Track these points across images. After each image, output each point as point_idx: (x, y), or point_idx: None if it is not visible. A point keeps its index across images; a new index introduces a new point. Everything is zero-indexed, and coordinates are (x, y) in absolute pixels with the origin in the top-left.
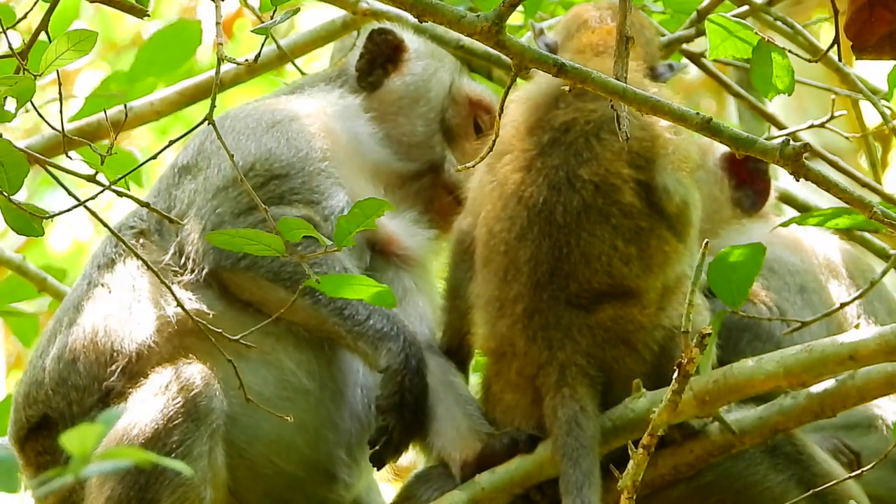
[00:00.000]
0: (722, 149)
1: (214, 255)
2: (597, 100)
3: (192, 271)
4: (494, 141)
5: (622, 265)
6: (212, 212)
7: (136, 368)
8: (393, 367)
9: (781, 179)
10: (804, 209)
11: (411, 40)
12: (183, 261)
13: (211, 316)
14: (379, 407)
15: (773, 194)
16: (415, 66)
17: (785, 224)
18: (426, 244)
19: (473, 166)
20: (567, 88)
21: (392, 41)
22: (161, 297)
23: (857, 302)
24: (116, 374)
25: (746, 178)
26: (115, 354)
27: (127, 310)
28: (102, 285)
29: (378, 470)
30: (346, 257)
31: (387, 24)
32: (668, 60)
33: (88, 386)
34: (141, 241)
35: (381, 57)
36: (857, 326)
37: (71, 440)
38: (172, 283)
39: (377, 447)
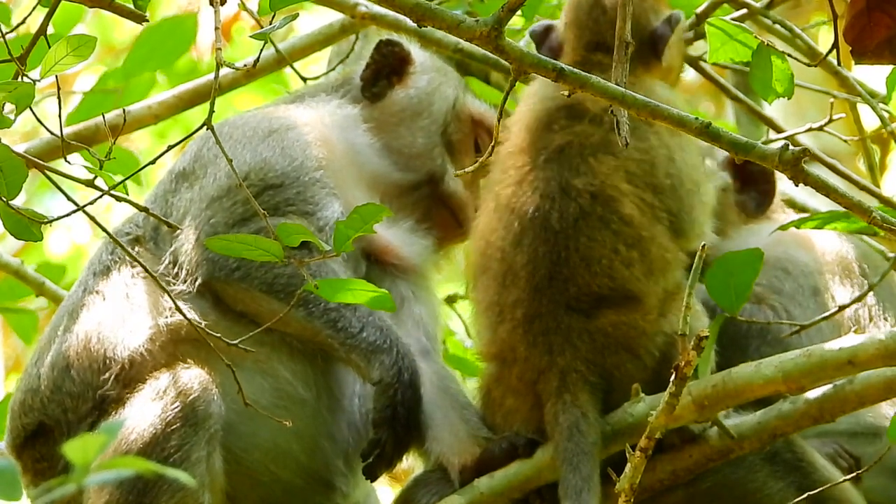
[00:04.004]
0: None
1: (208, 265)
2: (593, 123)
3: (185, 281)
4: (493, 148)
5: (623, 268)
6: (206, 222)
7: (130, 376)
8: (385, 380)
9: (780, 181)
10: (803, 212)
11: (418, 54)
12: (176, 270)
13: (203, 326)
14: (372, 420)
15: (778, 194)
16: (420, 80)
17: (783, 227)
18: (423, 252)
19: (473, 171)
20: (566, 94)
21: (399, 53)
22: (155, 305)
23: (869, 301)
24: (110, 381)
25: (750, 180)
26: (108, 362)
27: (120, 317)
28: (97, 292)
29: (371, 482)
30: (340, 267)
31: (394, 36)
32: (669, 13)
33: (83, 393)
34: (136, 248)
35: (387, 68)
36: (856, 331)
37: (73, 449)
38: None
39: (370, 460)
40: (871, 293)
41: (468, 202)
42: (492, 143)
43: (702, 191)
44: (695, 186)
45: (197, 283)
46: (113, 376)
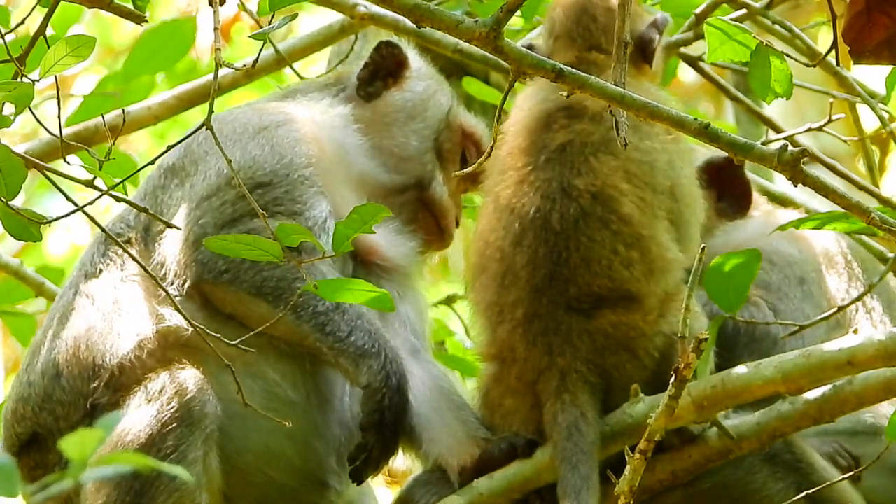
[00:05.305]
0: (697, 162)
1: (197, 267)
2: (593, 121)
3: (173, 283)
4: (492, 148)
5: (623, 269)
6: (195, 222)
7: (120, 382)
8: (373, 385)
9: (779, 182)
10: (805, 212)
11: (415, 59)
12: (164, 272)
13: (189, 331)
14: (360, 425)
15: (755, 193)
16: (415, 85)
17: (783, 228)
18: (408, 254)
19: (472, 171)
20: (565, 94)
21: (397, 56)
22: (144, 311)
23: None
24: (100, 389)
25: (726, 185)
26: (97, 369)
27: (109, 324)
28: (87, 296)
29: (358, 485)
30: (329, 268)
31: (394, 39)
32: (653, 16)
33: (74, 402)
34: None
35: (384, 70)
36: (855, 331)
37: (70, 445)
38: (154, 295)
39: (356, 463)
40: (859, 285)
41: (451, 210)
42: (491, 144)
43: (696, 206)
44: (691, 199)
45: (186, 286)
46: (102, 384)
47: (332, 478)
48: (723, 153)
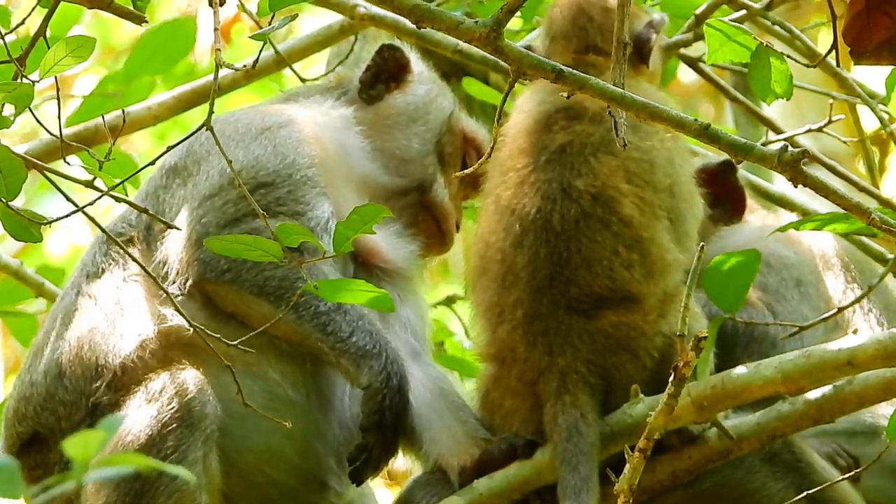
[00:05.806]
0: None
1: (199, 266)
2: (593, 122)
3: (175, 282)
4: (492, 149)
5: (623, 270)
6: (197, 221)
7: (122, 382)
8: (374, 385)
9: (778, 183)
10: (802, 213)
11: (417, 64)
12: (166, 271)
13: (191, 331)
14: (360, 425)
15: (749, 199)
16: (417, 88)
17: (783, 229)
18: (409, 256)
19: (472, 172)
20: (565, 95)
21: (400, 59)
22: (146, 310)
23: (853, 298)
24: (102, 388)
25: (721, 192)
26: (99, 369)
27: (111, 324)
28: (89, 296)
29: (357, 486)
30: (330, 269)
31: (397, 43)
32: (650, 16)
33: (76, 401)
34: (129, 249)
35: (386, 73)
36: (855, 332)
37: (73, 446)
38: (156, 295)
39: (356, 464)
40: (855, 287)
41: (452, 214)
42: (491, 145)
43: (695, 203)
44: (689, 196)
45: (187, 285)
46: (105, 384)
47: (332, 478)
48: (716, 159)
